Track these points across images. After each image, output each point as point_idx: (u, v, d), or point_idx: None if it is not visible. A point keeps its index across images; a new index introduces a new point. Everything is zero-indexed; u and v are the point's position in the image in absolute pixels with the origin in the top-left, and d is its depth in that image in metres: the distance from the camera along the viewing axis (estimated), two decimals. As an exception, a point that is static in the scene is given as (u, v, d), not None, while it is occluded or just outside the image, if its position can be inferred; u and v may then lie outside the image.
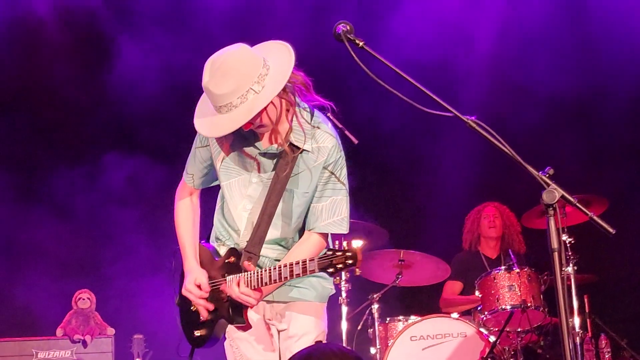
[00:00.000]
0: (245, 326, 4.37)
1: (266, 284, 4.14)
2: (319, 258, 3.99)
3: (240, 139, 4.24)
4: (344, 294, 7.21)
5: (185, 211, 4.60)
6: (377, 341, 7.58)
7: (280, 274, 4.08)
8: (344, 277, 7.10)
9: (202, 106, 4.15)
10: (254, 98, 3.93)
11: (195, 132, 4.35)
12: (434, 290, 8.39)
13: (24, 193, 9.01)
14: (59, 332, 7.89)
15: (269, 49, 4.09)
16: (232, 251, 4.36)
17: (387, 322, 7.63)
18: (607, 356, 7.89)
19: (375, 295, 7.58)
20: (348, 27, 3.86)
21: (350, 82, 8.55)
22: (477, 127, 3.61)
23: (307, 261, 4.00)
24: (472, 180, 9.59)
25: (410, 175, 9.46)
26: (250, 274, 4.18)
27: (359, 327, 7.84)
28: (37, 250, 9.00)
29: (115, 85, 9.05)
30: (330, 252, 3.99)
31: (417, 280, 7.98)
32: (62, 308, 8.13)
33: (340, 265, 3.97)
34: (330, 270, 3.98)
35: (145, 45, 9.07)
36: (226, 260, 4.35)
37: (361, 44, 3.83)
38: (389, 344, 7.26)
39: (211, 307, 4.35)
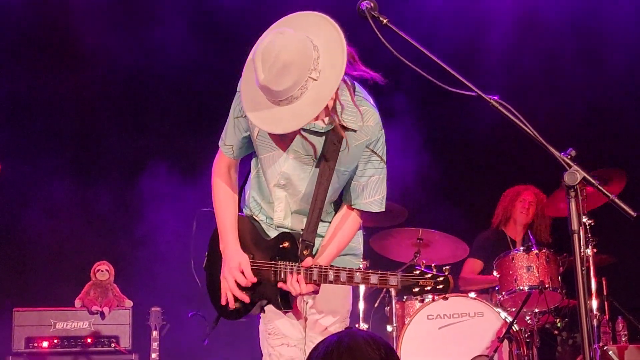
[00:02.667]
0: (291, 311, 4.33)
1: (331, 282, 4.08)
2: (403, 275, 3.98)
3: None
4: (361, 272, 7.20)
5: (225, 189, 4.40)
6: (394, 319, 7.57)
7: (351, 278, 4.05)
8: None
9: (251, 95, 3.92)
10: (314, 86, 3.76)
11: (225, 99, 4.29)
12: (452, 269, 8.35)
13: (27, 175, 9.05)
14: (77, 303, 7.88)
15: (304, 24, 3.86)
16: (286, 236, 4.25)
17: (404, 300, 7.63)
18: (623, 339, 7.85)
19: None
20: (372, 4, 3.76)
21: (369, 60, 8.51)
22: (499, 107, 3.56)
23: (389, 275, 3.99)
24: (493, 160, 9.60)
25: (431, 153, 9.41)
26: (312, 268, 4.10)
27: (376, 305, 7.84)
28: (55, 220, 9.02)
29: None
30: (418, 272, 3.99)
31: (435, 259, 7.72)
32: (81, 279, 8.14)
33: (428, 288, 3.99)
34: (416, 289, 3.98)
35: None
36: (280, 246, 4.23)
37: (385, 21, 3.73)
38: (406, 322, 7.27)
39: (247, 299, 4.24)
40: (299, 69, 3.73)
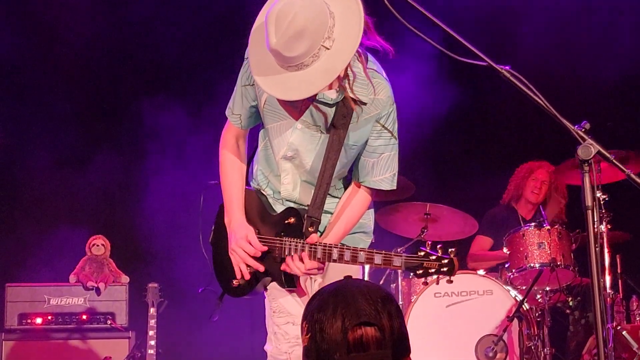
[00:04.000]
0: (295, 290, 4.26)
1: (334, 261, 4.02)
2: (407, 256, 3.93)
3: None
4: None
5: (232, 160, 4.35)
6: (400, 296, 7.55)
7: (355, 257, 3.98)
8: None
9: (260, 58, 3.85)
10: (326, 55, 3.69)
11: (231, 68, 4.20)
12: (461, 246, 8.25)
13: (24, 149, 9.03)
14: (72, 278, 7.81)
15: None
16: (292, 211, 4.18)
17: (410, 277, 7.50)
18: (638, 318, 7.78)
19: (399, 250, 7.44)
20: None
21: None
22: (511, 78, 3.45)
23: (393, 255, 3.94)
24: (504, 134, 9.49)
25: (440, 129, 9.28)
26: (317, 246, 4.03)
27: (382, 282, 7.76)
28: (49, 193, 9.00)
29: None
30: (423, 254, 3.94)
31: (443, 234, 7.79)
32: (76, 254, 8.06)
33: (432, 270, 3.95)
34: (419, 272, 3.94)
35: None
36: (286, 221, 4.16)
37: (394, -12, 3.62)
38: (412, 300, 7.24)
39: (262, 268, 4.18)
40: (312, 37, 3.65)
